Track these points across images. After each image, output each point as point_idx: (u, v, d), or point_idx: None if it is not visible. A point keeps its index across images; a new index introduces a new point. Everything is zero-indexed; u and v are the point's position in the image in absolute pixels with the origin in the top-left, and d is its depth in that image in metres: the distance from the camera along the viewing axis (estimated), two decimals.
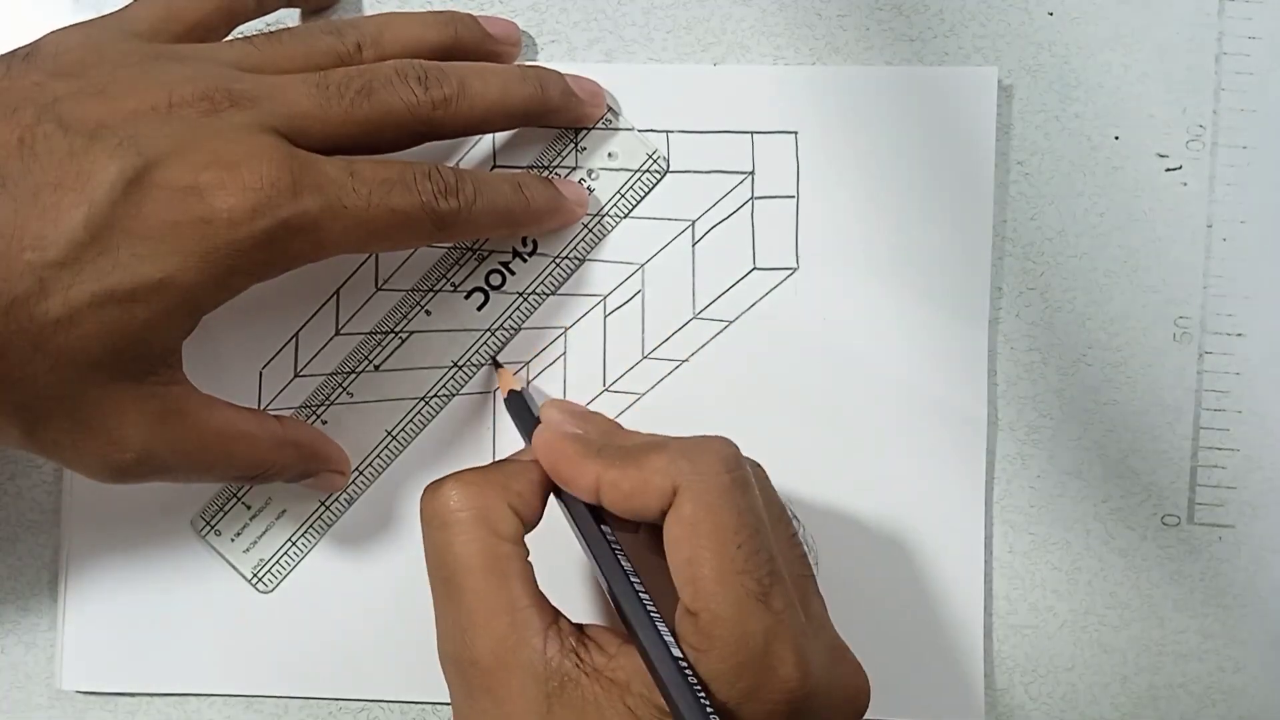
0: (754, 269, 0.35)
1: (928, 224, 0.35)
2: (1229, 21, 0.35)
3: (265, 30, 0.33)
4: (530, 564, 0.28)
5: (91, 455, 0.29)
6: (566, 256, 0.35)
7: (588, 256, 0.35)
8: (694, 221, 0.35)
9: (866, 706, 0.29)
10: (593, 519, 0.29)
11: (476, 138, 0.35)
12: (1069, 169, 0.35)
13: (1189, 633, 0.35)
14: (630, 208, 0.35)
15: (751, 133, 0.35)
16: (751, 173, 0.35)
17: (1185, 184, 0.35)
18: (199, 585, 0.35)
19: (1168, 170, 0.35)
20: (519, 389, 0.33)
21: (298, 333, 0.35)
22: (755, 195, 0.35)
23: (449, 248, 0.35)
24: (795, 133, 0.35)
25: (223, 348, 0.35)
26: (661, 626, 0.27)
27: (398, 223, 0.30)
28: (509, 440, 0.35)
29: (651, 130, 0.35)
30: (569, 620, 0.28)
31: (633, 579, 0.28)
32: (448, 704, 0.35)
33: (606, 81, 0.35)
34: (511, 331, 0.35)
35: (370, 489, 0.35)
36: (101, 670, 0.35)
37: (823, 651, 0.28)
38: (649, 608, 0.27)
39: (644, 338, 0.35)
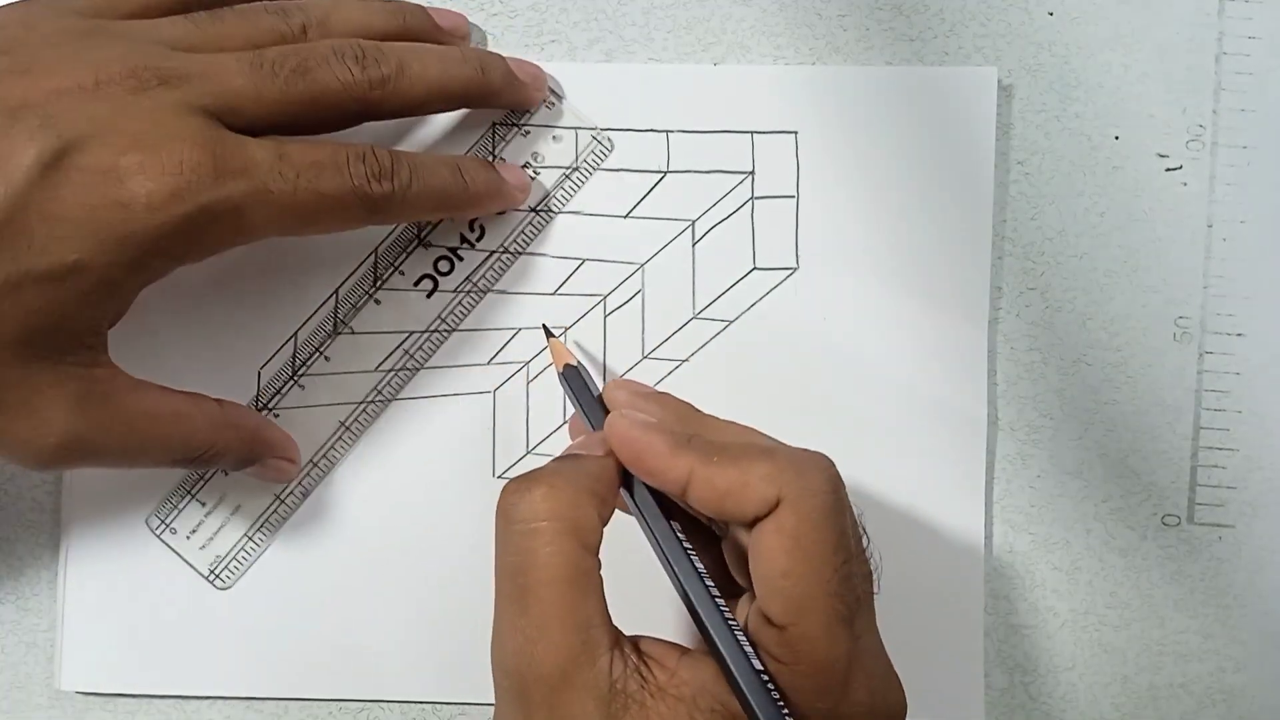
0: (754, 269, 0.35)
1: (928, 224, 0.35)
2: (1229, 21, 0.35)
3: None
4: (602, 577, 0.27)
5: (12, 438, 0.28)
6: (515, 241, 0.35)
7: (584, 256, 0.35)
8: (694, 221, 0.35)
9: None
10: (664, 516, 0.28)
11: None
12: (1069, 169, 0.35)
13: (1189, 633, 0.35)
14: (575, 190, 0.35)
15: (751, 133, 0.35)
16: (751, 173, 0.35)
17: (1185, 184, 0.35)
18: (199, 585, 0.35)
19: (1168, 170, 0.35)
20: (575, 364, 0.32)
21: (297, 332, 0.35)
22: (755, 195, 0.35)
23: (390, 233, 0.35)
24: (795, 133, 0.35)
25: (221, 346, 0.35)
26: (741, 636, 0.26)
27: (327, 207, 0.29)
28: (510, 440, 0.35)
29: (651, 130, 0.35)
30: (626, 636, 0.27)
31: (707, 582, 0.27)
32: (447, 703, 0.36)
33: (607, 81, 0.35)
34: (463, 315, 0.35)
35: (325, 481, 0.35)
36: (101, 670, 0.35)
37: (882, 673, 0.28)
38: (727, 615, 0.27)
39: (644, 338, 0.35)
